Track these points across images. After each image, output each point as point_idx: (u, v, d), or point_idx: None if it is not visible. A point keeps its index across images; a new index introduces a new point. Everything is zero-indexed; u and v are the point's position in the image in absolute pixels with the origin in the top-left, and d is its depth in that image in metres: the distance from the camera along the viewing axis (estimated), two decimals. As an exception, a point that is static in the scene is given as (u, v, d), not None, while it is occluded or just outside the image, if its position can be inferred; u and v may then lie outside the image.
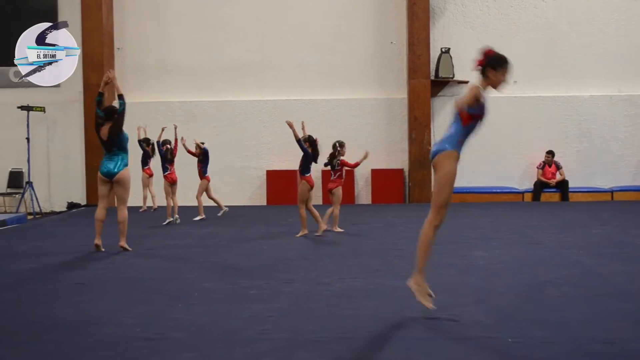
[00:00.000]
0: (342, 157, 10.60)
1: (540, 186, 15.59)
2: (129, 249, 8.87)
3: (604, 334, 4.90)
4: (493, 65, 5.24)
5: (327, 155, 10.74)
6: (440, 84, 15.90)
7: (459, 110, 5.27)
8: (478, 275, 7.07)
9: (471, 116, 5.26)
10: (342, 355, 4.57)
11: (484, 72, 5.28)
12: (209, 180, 12.74)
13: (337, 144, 10.73)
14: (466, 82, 15.59)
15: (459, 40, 15.91)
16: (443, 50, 15.65)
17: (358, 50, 16.10)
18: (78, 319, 5.54)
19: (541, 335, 4.90)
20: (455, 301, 5.93)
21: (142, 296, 6.37)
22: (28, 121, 15.05)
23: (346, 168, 10.69)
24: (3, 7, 16.45)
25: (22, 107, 14.88)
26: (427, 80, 15.60)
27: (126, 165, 8.81)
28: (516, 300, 5.95)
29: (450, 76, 15.67)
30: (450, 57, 15.64)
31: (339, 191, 10.55)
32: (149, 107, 16.03)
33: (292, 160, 15.74)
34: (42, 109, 15.33)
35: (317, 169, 15.60)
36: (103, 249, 8.90)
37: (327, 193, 10.97)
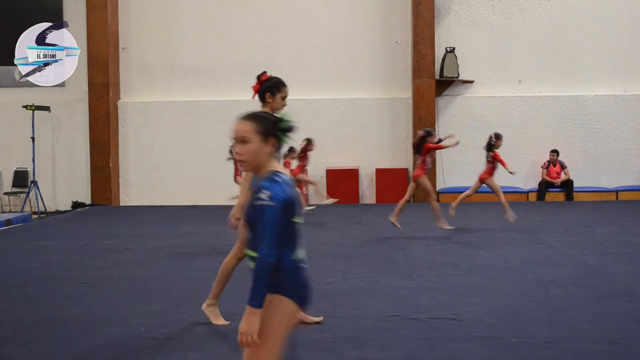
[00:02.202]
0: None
1: (545, 186, 15.55)
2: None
3: (609, 334, 4.90)
4: (270, 90, 5.20)
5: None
6: (445, 84, 15.85)
7: None
8: (482, 275, 7.06)
9: None
10: (347, 356, 4.57)
11: (262, 98, 5.24)
12: None
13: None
14: (471, 82, 15.57)
15: (463, 40, 15.87)
16: (448, 49, 15.60)
17: (363, 49, 16.08)
18: (84, 318, 5.56)
19: (546, 335, 4.90)
20: (459, 301, 5.94)
21: (147, 296, 6.38)
22: (33, 120, 15.05)
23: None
24: (8, 6, 16.47)
25: (27, 107, 14.90)
26: (431, 79, 15.56)
27: None
28: (520, 300, 5.95)
29: (455, 76, 15.62)
30: (455, 56, 15.59)
31: None
32: (154, 106, 16.04)
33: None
34: (47, 109, 15.34)
35: (321, 168, 15.67)
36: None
37: None
